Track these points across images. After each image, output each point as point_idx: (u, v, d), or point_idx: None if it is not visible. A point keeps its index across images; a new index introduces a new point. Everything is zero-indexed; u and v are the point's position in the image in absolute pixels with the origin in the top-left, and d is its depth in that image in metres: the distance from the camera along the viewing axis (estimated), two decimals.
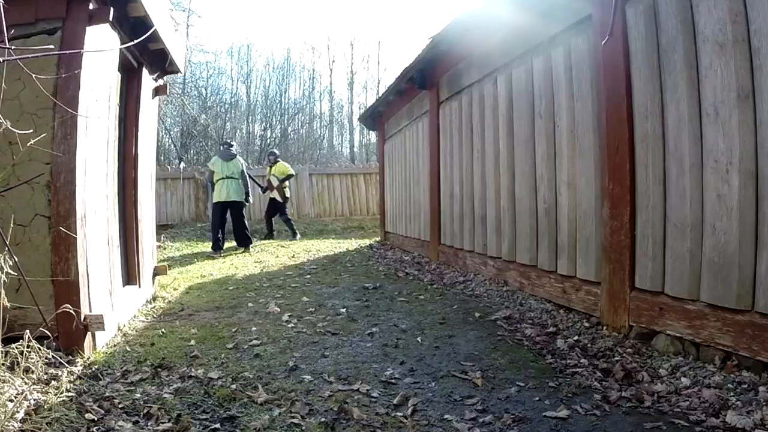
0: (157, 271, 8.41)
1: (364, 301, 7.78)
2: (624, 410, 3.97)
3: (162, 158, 33.86)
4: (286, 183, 17.97)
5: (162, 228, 20.23)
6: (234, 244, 15.83)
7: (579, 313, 6.23)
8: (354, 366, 5.01)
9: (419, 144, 12.49)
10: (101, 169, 5.96)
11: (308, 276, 10.21)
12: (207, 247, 15.78)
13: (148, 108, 7.90)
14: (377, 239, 17.31)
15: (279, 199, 17.95)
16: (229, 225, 15.65)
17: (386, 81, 47.82)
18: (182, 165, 24.14)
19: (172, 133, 36.35)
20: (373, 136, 42.39)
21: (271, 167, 18.17)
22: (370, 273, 10.40)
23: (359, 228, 22.12)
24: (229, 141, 15.91)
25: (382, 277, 9.77)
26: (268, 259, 13.12)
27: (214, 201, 14.94)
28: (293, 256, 13.45)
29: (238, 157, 15.17)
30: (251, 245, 15.23)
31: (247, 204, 15.37)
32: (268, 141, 40.46)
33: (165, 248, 15.99)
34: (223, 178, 14.76)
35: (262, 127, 42.82)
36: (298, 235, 18.34)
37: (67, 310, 4.76)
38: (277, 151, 18.86)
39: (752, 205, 4.24)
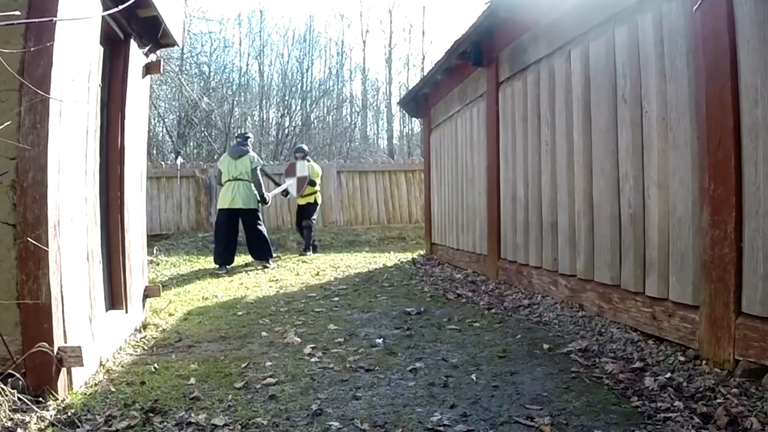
0: (149, 293, 8.40)
1: (406, 329, 7.76)
2: None
3: (155, 152, 34.25)
4: (317, 188, 18.06)
5: (155, 239, 20.45)
6: (243, 260, 15.96)
7: (672, 345, 6.13)
8: (393, 410, 4.96)
9: (474, 134, 12.43)
10: (79, 166, 5.86)
11: (336, 298, 10.26)
12: (210, 262, 15.92)
13: (138, 89, 7.86)
14: (422, 252, 17.35)
15: (292, 196, 18.05)
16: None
17: (433, 56, 47.60)
18: (179, 160, 24.20)
19: (167, 120, 36.75)
20: (416, 124, 42.48)
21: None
22: (412, 294, 10.39)
23: (399, 239, 22.21)
24: (245, 134, 16.01)
25: (427, 300, 9.77)
26: (287, 277, 13.18)
27: (219, 207, 15.10)
28: (317, 274, 13.51)
29: (250, 153, 15.30)
30: (272, 260, 15.39)
31: (266, 204, 15.65)
32: (287, 130, 40.69)
33: (158, 264, 16.15)
34: (230, 180, 14.92)
35: (280, 114, 42.56)
36: (318, 250, 18.50)
37: (41, 348, 4.73)
38: (306, 147, 18.76)
39: None
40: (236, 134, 18.33)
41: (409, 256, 16.95)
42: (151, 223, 21.76)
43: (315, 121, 43.95)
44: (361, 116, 48.91)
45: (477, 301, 9.44)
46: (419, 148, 37.29)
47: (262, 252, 15.16)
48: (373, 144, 47.64)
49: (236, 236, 15.20)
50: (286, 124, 41.50)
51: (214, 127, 37.03)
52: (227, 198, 14.83)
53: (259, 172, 15.36)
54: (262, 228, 15.32)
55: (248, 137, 15.73)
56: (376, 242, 21.65)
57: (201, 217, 23.25)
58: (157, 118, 35.28)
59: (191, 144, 37.38)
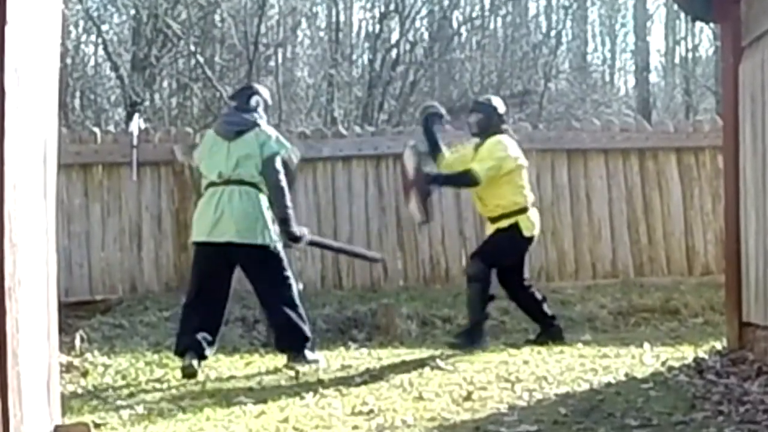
0: None
1: None
2: None
3: (77, 106, 18.33)
4: (525, 195, 8.52)
5: (79, 311, 9.81)
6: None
7: None
8: None
9: None
10: None
11: None
12: (213, 368, 8.06)
13: None
14: (716, 345, 8.15)
15: (502, 225, 8.46)
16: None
17: None
18: (137, 125, 11.34)
19: (107, 30, 18.51)
20: (704, 36, 22.52)
21: (481, 141, 8.39)
22: None
23: (663, 312, 10.60)
24: (249, 87, 8.75)
25: None
26: (394, 404, 6.43)
27: (194, 239, 7.99)
28: (468, 397, 6.56)
29: (261, 126, 7.77)
30: (310, 356, 7.61)
31: (297, 244, 8.15)
32: (395, 53, 18.29)
33: (87, 373, 8.06)
34: (216, 184, 7.67)
35: (378, 15, 19.33)
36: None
37: None
38: (495, 100, 8.84)
39: None
40: (234, 90, 10.74)
41: (686, 352, 8.15)
42: (71, 276, 10.34)
43: (463, 30, 20.42)
44: (572, 18, 22.48)
45: None
46: (711, 94, 20.01)
47: (288, 335, 7.64)
48: (601, 84, 23.28)
49: (225, 299, 7.75)
50: (392, 38, 18.80)
51: (221, 44, 18.18)
52: (207, 220, 7.58)
53: (279, 162, 7.76)
54: (292, 282, 7.73)
55: (255, 92, 8.09)
56: (607, 319, 10.42)
57: (188, 257, 9.98)
58: (84, 25, 18.07)
59: (164, 86, 18.83)
